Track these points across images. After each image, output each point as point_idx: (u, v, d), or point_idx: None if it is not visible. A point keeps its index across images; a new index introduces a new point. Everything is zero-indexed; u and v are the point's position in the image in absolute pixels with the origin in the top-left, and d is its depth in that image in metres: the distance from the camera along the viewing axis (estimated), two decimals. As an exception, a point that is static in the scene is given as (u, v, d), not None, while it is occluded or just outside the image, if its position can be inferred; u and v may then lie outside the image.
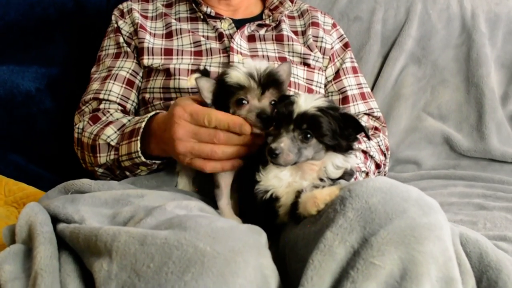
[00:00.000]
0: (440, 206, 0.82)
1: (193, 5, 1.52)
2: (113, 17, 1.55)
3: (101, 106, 1.43)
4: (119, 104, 1.44)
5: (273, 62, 1.43)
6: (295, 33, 1.58)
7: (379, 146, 1.52)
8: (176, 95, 1.39)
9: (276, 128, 0.95)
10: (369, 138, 0.97)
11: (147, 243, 0.75)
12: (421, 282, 0.72)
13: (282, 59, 1.46)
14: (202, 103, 1.08)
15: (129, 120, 1.31)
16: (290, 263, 0.87)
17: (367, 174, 1.41)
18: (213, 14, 1.49)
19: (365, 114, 1.58)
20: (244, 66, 1.03)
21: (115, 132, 1.28)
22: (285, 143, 0.91)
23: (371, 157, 1.44)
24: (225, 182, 1.09)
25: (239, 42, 1.44)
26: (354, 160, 1.00)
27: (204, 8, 1.48)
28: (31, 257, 0.84)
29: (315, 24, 1.60)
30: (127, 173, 1.27)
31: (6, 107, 1.66)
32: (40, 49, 1.71)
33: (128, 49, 1.49)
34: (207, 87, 1.06)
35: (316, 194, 0.87)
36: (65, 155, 1.61)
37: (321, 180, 0.97)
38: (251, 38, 1.50)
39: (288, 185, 0.96)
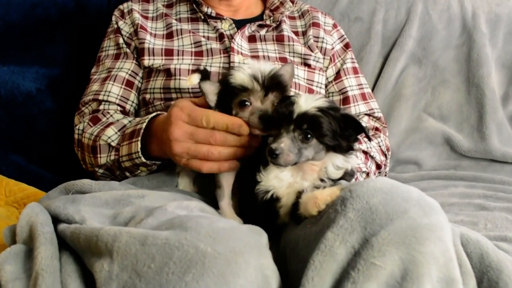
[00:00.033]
0: (441, 206, 0.82)
1: (194, 5, 1.52)
2: (113, 18, 1.55)
3: (101, 107, 1.43)
4: (118, 105, 1.44)
5: (273, 63, 1.43)
6: (296, 33, 1.58)
7: (379, 146, 1.52)
8: (176, 95, 1.39)
9: (277, 128, 0.95)
10: (369, 139, 0.97)
11: (148, 243, 0.75)
12: (422, 283, 0.72)
13: (283, 60, 1.47)
14: (202, 105, 1.08)
15: (129, 121, 1.31)
16: (290, 263, 0.87)
17: (367, 174, 1.41)
18: (213, 14, 1.49)
19: (366, 114, 1.58)
20: (249, 68, 1.03)
21: (116, 133, 1.28)
22: (285, 143, 0.91)
23: (372, 157, 1.44)
24: (227, 182, 1.09)
25: (240, 42, 1.44)
26: (355, 160, 1.00)
27: (205, 9, 1.49)
28: (32, 257, 0.84)
29: (315, 25, 1.60)
30: (127, 174, 1.28)
31: (7, 108, 1.66)
32: (41, 50, 1.71)
33: (128, 50, 1.49)
34: (211, 90, 1.05)
35: (317, 194, 0.87)
36: (65, 155, 1.61)
37: (322, 180, 0.97)
38: (251, 39, 1.50)
39: (289, 185, 0.96)
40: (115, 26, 1.53)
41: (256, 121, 1.00)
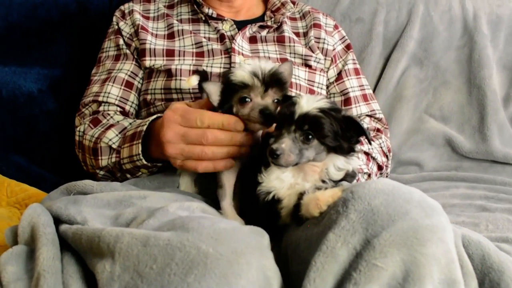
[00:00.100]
0: (442, 207, 0.82)
1: (195, 6, 1.52)
2: (114, 18, 1.55)
3: (101, 108, 1.43)
4: (118, 105, 1.44)
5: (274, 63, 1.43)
6: (297, 34, 1.59)
7: (381, 147, 1.52)
8: (177, 96, 1.40)
9: (278, 128, 0.95)
10: (370, 142, 0.97)
11: (149, 244, 0.75)
12: (423, 284, 0.72)
13: (284, 61, 1.47)
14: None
15: (130, 123, 1.31)
16: (292, 264, 0.87)
17: (369, 175, 1.41)
18: (214, 15, 1.49)
19: (367, 115, 1.58)
20: (249, 65, 1.04)
21: (117, 135, 1.28)
22: (286, 144, 0.91)
23: (373, 158, 1.44)
24: (229, 181, 1.09)
25: (241, 43, 1.44)
26: (356, 161, 0.99)
27: (206, 10, 1.49)
28: (33, 258, 0.85)
29: (317, 26, 1.60)
30: (128, 176, 1.28)
31: (9, 108, 1.66)
32: (43, 51, 1.71)
33: (128, 51, 1.49)
34: (214, 90, 1.06)
35: (318, 196, 0.86)
36: (67, 156, 1.61)
37: (323, 181, 0.96)
38: (252, 40, 1.50)
39: (290, 186, 0.96)
40: (116, 27, 1.53)
41: (257, 115, 1.00)
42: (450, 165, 1.86)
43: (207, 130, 1.02)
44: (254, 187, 0.99)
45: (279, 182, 0.97)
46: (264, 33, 1.53)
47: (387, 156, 1.54)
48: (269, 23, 1.54)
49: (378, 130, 1.59)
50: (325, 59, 1.57)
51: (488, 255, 0.87)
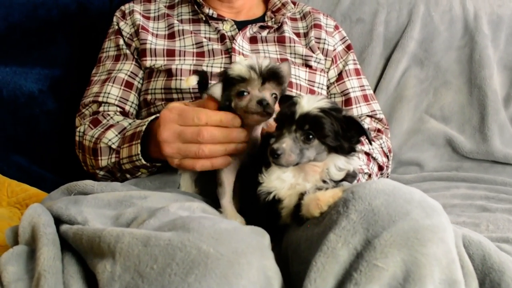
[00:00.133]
0: (443, 208, 0.82)
1: (195, 6, 1.52)
2: (114, 19, 1.55)
3: (101, 108, 1.43)
4: (118, 106, 1.44)
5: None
6: (297, 35, 1.59)
7: (381, 148, 1.52)
8: (177, 96, 1.40)
9: (278, 128, 0.95)
10: (370, 142, 0.97)
11: (150, 244, 0.75)
12: (424, 284, 0.72)
13: (284, 61, 1.46)
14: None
15: (130, 124, 1.32)
16: (293, 264, 0.87)
17: (369, 176, 1.41)
18: (215, 15, 1.49)
19: (368, 116, 1.58)
20: (247, 60, 1.05)
21: (116, 135, 1.28)
22: (287, 144, 0.91)
23: (374, 159, 1.45)
24: (228, 180, 1.09)
25: (241, 43, 1.44)
26: (357, 162, 0.99)
27: (206, 10, 1.49)
28: (34, 258, 0.85)
29: (317, 26, 1.60)
30: (128, 176, 1.28)
31: (9, 108, 1.66)
32: (43, 51, 1.72)
33: (128, 51, 1.49)
34: (218, 90, 1.06)
35: (319, 196, 0.86)
36: (67, 156, 1.61)
37: (324, 182, 0.96)
38: (253, 40, 1.50)
39: (291, 186, 0.96)
40: (116, 27, 1.53)
41: (255, 105, 1.00)
42: (451, 165, 1.86)
43: (202, 128, 1.02)
44: (254, 187, 0.99)
45: (280, 182, 0.97)
46: (264, 33, 1.53)
47: (387, 157, 1.54)
48: (269, 24, 1.55)
49: (378, 130, 1.59)
50: (325, 59, 1.57)
51: (488, 255, 0.87)
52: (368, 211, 0.77)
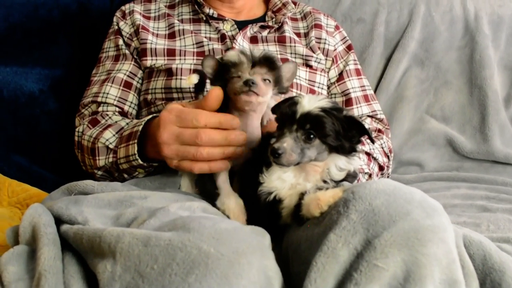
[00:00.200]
0: (443, 208, 0.82)
1: (196, 6, 1.52)
2: (114, 19, 1.56)
3: (100, 108, 1.44)
4: (116, 106, 1.44)
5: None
6: (298, 35, 1.59)
7: (382, 148, 1.52)
8: (178, 95, 1.40)
9: (279, 128, 0.95)
10: (372, 141, 0.97)
11: (151, 244, 0.75)
12: (424, 284, 0.72)
13: (284, 61, 1.47)
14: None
15: (127, 123, 1.32)
16: (293, 265, 0.87)
17: (370, 176, 1.41)
18: (215, 15, 1.49)
19: (368, 116, 1.58)
20: (241, 47, 1.06)
21: (114, 135, 1.29)
22: (288, 143, 0.91)
23: (375, 159, 1.44)
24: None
25: (241, 43, 1.45)
26: (358, 162, 0.99)
27: (207, 10, 1.49)
28: (34, 258, 0.84)
29: (318, 26, 1.60)
30: (125, 176, 1.28)
31: (10, 108, 1.66)
32: (44, 51, 1.72)
33: (127, 52, 1.49)
34: (208, 64, 1.10)
35: (319, 196, 0.86)
36: (68, 156, 1.61)
37: (325, 182, 0.96)
38: (253, 40, 1.50)
39: (291, 186, 0.96)
40: (116, 27, 1.53)
41: (241, 84, 1.01)
42: (451, 165, 1.86)
43: (201, 130, 1.02)
44: (255, 187, 0.99)
45: (281, 182, 0.96)
46: (265, 33, 1.53)
47: (388, 157, 1.54)
48: (270, 24, 1.55)
49: (379, 130, 1.59)
50: (326, 59, 1.57)
51: (489, 255, 0.86)
52: (368, 211, 0.77)
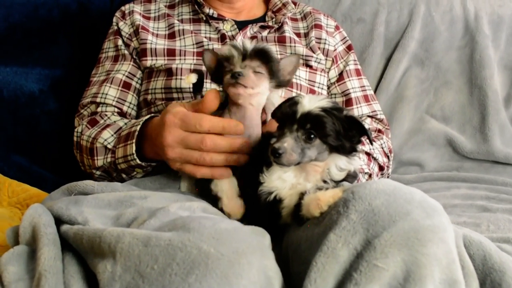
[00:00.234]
0: (443, 208, 0.82)
1: (196, 6, 1.52)
2: (114, 19, 1.56)
3: (99, 109, 1.44)
4: (115, 106, 1.45)
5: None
6: (298, 35, 1.59)
7: (382, 148, 1.52)
8: (178, 95, 1.40)
9: (280, 128, 0.95)
10: (371, 142, 0.97)
11: (151, 244, 0.75)
12: (424, 284, 0.72)
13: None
14: (194, 110, 1.09)
15: (125, 123, 1.32)
16: (293, 265, 0.87)
17: (370, 176, 1.41)
18: (215, 15, 1.49)
19: (368, 116, 1.58)
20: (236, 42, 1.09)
21: (112, 135, 1.29)
22: (288, 143, 0.91)
23: (375, 159, 1.45)
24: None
25: (242, 43, 1.45)
26: (358, 162, 0.99)
27: (207, 10, 1.49)
28: (34, 258, 0.85)
29: (318, 26, 1.60)
30: (124, 176, 1.28)
31: (10, 108, 1.66)
32: (44, 51, 1.72)
33: (126, 52, 1.50)
34: (207, 58, 1.12)
35: (319, 196, 0.86)
36: (68, 156, 1.61)
37: (325, 182, 0.96)
38: (253, 40, 1.50)
39: (292, 186, 0.96)
40: (115, 27, 1.53)
41: (228, 77, 1.02)
42: (451, 165, 1.86)
43: (205, 135, 1.02)
44: (255, 187, 0.99)
45: (281, 182, 0.96)
46: (265, 33, 1.53)
47: (388, 157, 1.54)
48: (270, 24, 1.55)
49: (379, 131, 1.59)
50: (326, 59, 1.57)
51: (489, 255, 0.86)
52: (368, 211, 0.77)
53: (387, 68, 1.93)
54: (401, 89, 1.93)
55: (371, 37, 1.94)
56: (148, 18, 1.53)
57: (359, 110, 1.56)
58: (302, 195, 0.91)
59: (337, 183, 0.97)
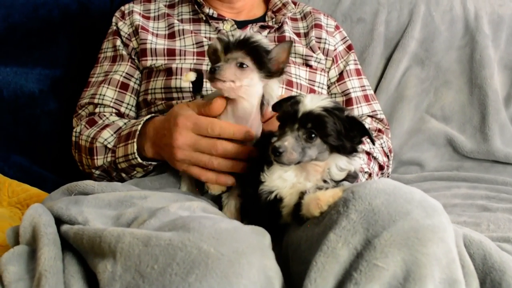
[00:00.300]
0: (444, 207, 0.82)
1: (196, 6, 1.52)
2: (113, 19, 1.56)
3: (97, 110, 1.45)
4: (113, 107, 1.45)
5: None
6: (298, 35, 1.59)
7: (382, 148, 1.52)
8: (177, 95, 1.40)
9: (281, 127, 0.95)
10: (373, 142, 0.97)
11: (151, 244, 0.75)
12: (424, 284, 0.72)
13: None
14: (198, 111, 1.09)
15: (125, 123, 1.33)
16: (293, 264, 0.87)
17: (370, 175, 1.41)
18: (215, 15, 1.49)
19: (369, 116, 1.58)
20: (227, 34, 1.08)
21: (112, 135, 1.29)
22: (289, 142, 0.91)
23: (375, 158, 1.45)
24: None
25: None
26: (358, 162, 0.99)
27: (207, 10, 1.49)
28: (35, 258, 0.85)
29: (318, 26, 1.60)
30: (123, 175, 1.29)
31: (10, 109, 1.66)
32: (44, 51, 1.72)
33: (124, 52, 1.50)
34: (209, 51, 1.11)
35: (319, 195, 0.86)
36: (68, 156, 1.60)
37: (325, 181, 0.96)
38: (253, 40, 1.50)
39: (292, 186, 0.96)
40: (114, 27, 1.53)
41: (207, 72, 1.03)
42: (452, 165, 1.86)
43: (217, 141, 1.05)
44: (256, 187, 0.99)
45: (282, 181, 0.96)
46: (265, 33, 1.53)
47: (388, 156, 1.54)
48: (270, 24, 1.55)
49: (379, 130, 1.59)
50: (326, 59, 1.57)
51: (489, 254, 0.86)
52: (368, 211, 0.77)
53: (387, 68, 1.93)
54: (401, 89, 1.93)
55: (371, 37, 1.94)
56: (148, 18, 1.53)
57: (359, 109, 1.56)
58: (302, 194, 0.91)
59: (337, 183, 0.97)
